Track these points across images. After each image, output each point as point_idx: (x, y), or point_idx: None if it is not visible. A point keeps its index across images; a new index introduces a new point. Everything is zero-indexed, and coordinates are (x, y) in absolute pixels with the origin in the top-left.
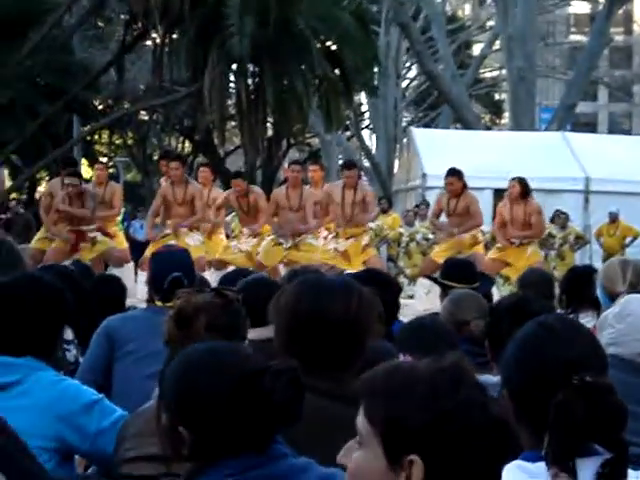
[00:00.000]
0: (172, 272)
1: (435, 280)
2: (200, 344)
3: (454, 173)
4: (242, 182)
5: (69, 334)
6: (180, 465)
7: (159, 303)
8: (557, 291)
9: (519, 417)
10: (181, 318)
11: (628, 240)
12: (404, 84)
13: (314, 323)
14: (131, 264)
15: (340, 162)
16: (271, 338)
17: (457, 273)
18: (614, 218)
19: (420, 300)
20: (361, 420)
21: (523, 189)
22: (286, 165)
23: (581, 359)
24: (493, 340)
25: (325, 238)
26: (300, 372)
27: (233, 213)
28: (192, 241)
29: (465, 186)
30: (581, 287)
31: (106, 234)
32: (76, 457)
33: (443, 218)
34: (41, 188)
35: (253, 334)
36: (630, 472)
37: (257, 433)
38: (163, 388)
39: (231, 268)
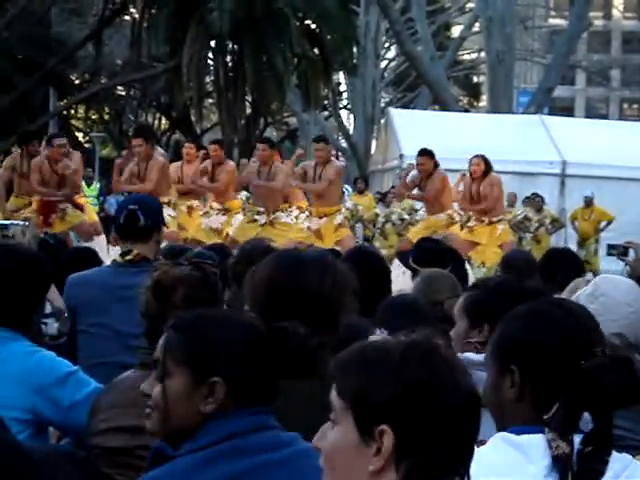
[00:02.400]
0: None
1: (406, 264)
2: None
3: (425, 152)
4: (219, 149)
5: (48, 307)
6: (150, 437)
7: (119, 259)
8: None
9: (522, 394)
10: (159, 290)
11: (602, 224)
12: (383, 64)
13: (289, 297)
14: (103, 237)
15: None
16: None
17: (427, 259)
18: (589, 202)
19: (396, 280)
20: (334, 398)
21: (487, 167)
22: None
23: (595, 338)
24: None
25: (297, 217)
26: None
27: None
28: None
29: (436, 165)
30: (560, 268)
31: (76, 206)
32: (50, 429)
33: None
34: None
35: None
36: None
37: (270, 383)
38: (183, 348)
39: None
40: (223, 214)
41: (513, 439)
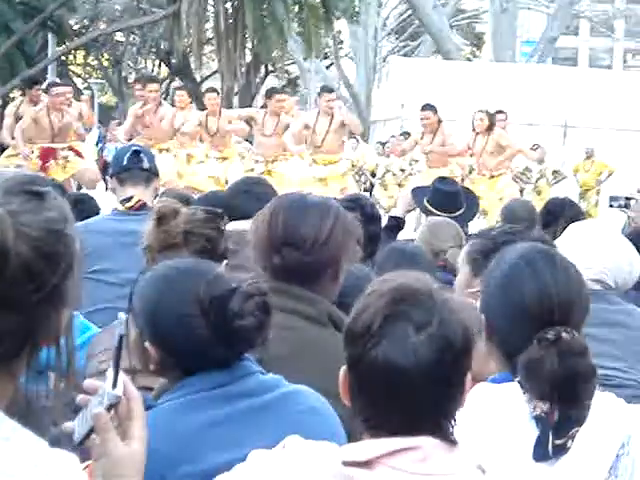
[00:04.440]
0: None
1: (420, 204)
2: (170, 262)
3: (428, 107)
4: (217, 97)
5: None
6: (148, 378)
7: (120, 206)
8: None
9: (491, 338)
10: (159, 218)
11: (603, 176)
12: (385, 13)
13: (287, 240)
14: (102, 185)
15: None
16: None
17: (442, 200)
18: (590, 154)
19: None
20: None
21: (490, 122)
22: (263, 92)
23: (562, 306)
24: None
25: (298, 166)
26: (269, 293)
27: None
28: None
29: (440, 121)
30: (560, 217)
31: (77, 153)
32: (49, 372)
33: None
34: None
35: (230, 226)
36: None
37: (223, 353)
38: (133, 304)
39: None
40: (221, 162)
41: (494, 387)
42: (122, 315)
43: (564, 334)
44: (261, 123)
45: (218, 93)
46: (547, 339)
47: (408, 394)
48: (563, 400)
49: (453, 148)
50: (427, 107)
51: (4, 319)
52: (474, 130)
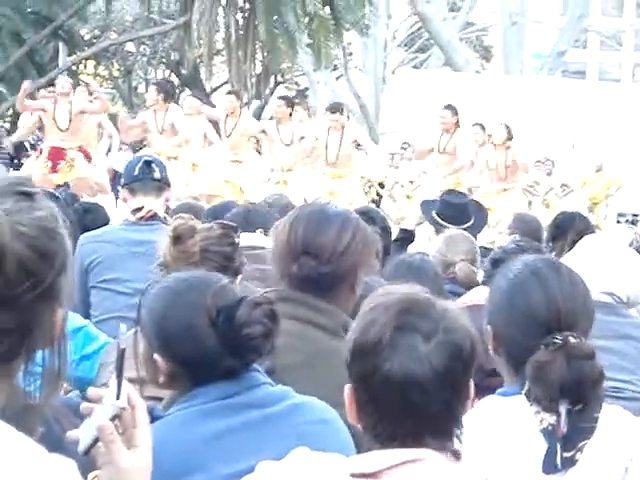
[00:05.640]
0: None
1: (429, 216)
2: (177, 274)
3: (448, 107)
4: (236, 100)
5: None
6: (156, 389)
7: (131, 217)
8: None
9: (498, 350)
10: (177, 236)
11: (612, 190)
12: (394, 25)
13: (304, 250)
14: (110, 196)
15: (328, 103)
16: (255, 246)
17: (451, 212)
18: (599, 168)
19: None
20: None
21: (508, 135)
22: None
23: (569, 312)
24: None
25: (312, 176)
26: (279, 302)
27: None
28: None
29: (458, 124)
30: (570, 230)
31: (87, 155)
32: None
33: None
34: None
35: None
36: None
37: (232, 363)
38: (140, 317)
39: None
40: (237, 165)
41: (503, 400)
42: (123, 327)
43: (572, 338)
44: (275, 133)
45: (237, 96)
46: (555, 343)
47: (423, 403)
48: (571, 405)
49: (459, 164)
50: (447, 107)
51: (2, 318)
52: (492, 143)
